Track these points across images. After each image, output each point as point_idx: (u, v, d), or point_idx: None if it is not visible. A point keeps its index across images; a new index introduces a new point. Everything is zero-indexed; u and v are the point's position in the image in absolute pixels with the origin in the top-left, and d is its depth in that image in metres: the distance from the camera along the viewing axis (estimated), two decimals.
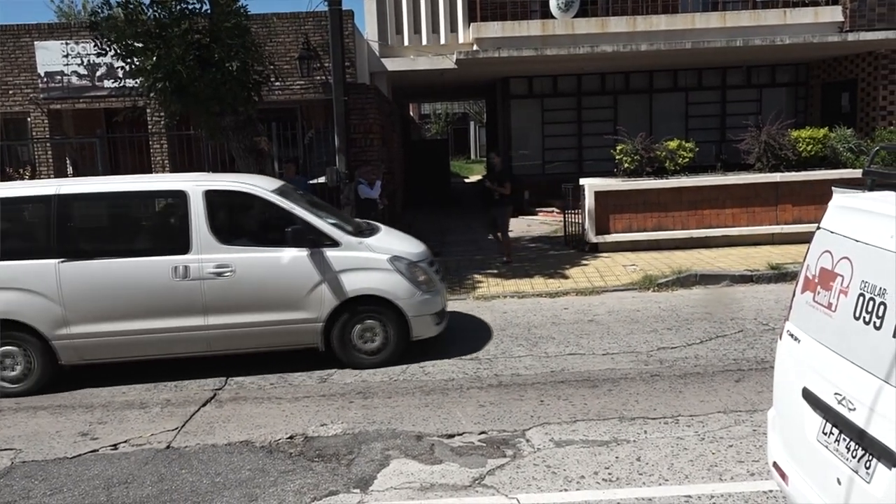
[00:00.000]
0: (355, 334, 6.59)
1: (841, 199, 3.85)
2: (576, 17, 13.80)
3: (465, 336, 7.52)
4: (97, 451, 5.10)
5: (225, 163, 11.71)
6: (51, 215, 6.33)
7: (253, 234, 6.65)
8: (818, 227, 3.75)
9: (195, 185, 6.46)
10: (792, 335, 3.39)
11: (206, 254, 6.31)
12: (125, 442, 5.23)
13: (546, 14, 14.10)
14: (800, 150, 12.03)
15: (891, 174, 3.96)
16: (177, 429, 5.42)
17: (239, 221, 6.83)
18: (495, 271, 10.48)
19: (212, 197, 6.43)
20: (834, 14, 13.66)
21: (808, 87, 16.52)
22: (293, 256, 6.38)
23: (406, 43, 14.27)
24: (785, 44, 13.22)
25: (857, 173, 8.45)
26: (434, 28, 14.33)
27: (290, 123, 12.34)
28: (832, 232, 3.44)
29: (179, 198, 6.44)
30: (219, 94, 9.01)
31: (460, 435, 5.03)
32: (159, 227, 6.72)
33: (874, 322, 3.18)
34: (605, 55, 13.47)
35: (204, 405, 5.91)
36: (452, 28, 14.34)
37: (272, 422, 5.45)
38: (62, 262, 6.25)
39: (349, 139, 11.72)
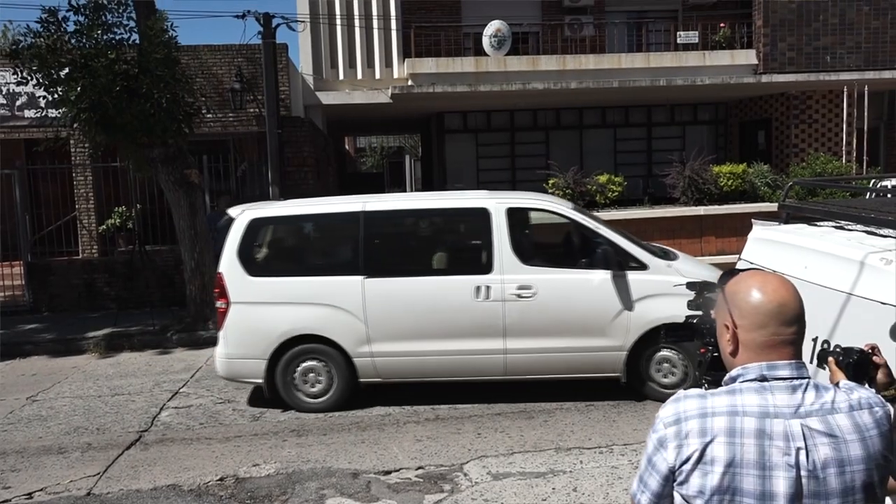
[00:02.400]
0: (653, 365, 6.19)
1: (759, 232, 4.04)
2: (508, 54, 14.16)
3: None
4: (9, 500, 4.80)
5: (153, 196, 11.40)
6: (358, 231, 6.30)
7: (554, 254, 6.52)
8: (739, 258, 3.93)
9: (497, 202, 6.31)
10: None
11: (509, 274, 6.09)
12: (41, 490, 4.94)
13: (479, 51, 14.42)
14: (721, 184, 12.61)
15: (804, 207, 4.19)
16: (98, 474, 5.16)
17: (539, 240, 6.71)
18: None
19: (514, 214, 6.27)
20: (749, 57, 14.45)
21: (728, 125, 17.33)
22: (601, 279, 6.05)
23: (341, 77, 14.32)
24: (705, 84, 13.89)
25: (773, 206, 8.88)
26: (369, 63, 14.44)
27: (223, 156, 12.14)
28: (752, 263, 3.60)
29: (481, 215, 6.28)
30: (147, 125, 8.81)
31: (397, 471, 4.97)
32: (461, 245, 6.66)
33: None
34: (537, 92, 13.83)
35: (128, 448, 5.66)
36: (387, 63, 14.48)
37: (201, 463, 5.26)
38: (367, 278, 6.17)
39: (283, 172, 11.61)
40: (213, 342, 9.02)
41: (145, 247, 11.46)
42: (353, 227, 6.33)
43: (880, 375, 2.23)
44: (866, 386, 2.40)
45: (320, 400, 6.30)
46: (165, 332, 9.51)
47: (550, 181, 12.92)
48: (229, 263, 6.33)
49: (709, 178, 12.72)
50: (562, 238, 6.67)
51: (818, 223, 3.86)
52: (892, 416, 1.60)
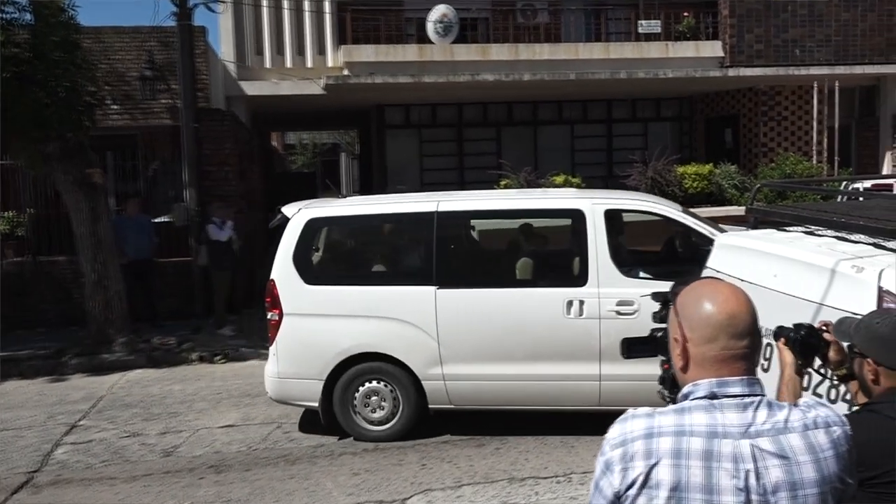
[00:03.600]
0: None
1: (726, 238, 4.16)
2: (455, 42, 14.24)
3: None
4: None
5: (49, 198, 11.04)
6: (431, 235, 6.11)
7: (658, 263, 6.25)
8: (705, 267, 4.03)
9: (592, 202, 6.09)
10: None
11: (606, 287, 5.83)
12: None
13: (423, 38, 14.46)
14: (686, 186, 12.94)
15: (773, 212, 4.33)
16: None
17: (641, 247, 6.41)
18: None
19: (612, 217, 6.05)
20: (715, 49, 14.89)
21: (693, 122, 17.81)
22: None
23: (268, 65, 14.16)
24: (668, 77, 14.25)
25: (742, 210, 9.13)
26: (300, 50, 14.33)
27: (131, 153, 11.85)
28: (717, 271, 3.70)
29: (574, 218, 6.07)
30: (41, 117, 8.55)
31: None
32: (549, 252, 6.42)
33: (762, 364, 3.44)
34: (487, 84, 13.95)
35: (15, 492, 5.45)
36: (320, 50, 14.39)
37: None
38: (440, 289, 5.99)
39: (201, 171, 11.39)
40: (118, 366, 8.84)
41: (38, 257, 11.09)
42: (425, 229, 6.21)
43: (832, 353, 2.38)
44: (821, 370, 2.50)
45: (383, 428, 6.19)
46: (61, 355, 9.22)
47: (502, 182, 13.04)
48: (283, 269, 6.21)
49: (673, 180, 13.04)
50: (663, 244, 6.55)
51: (788, 228, 4.00)
52: (850, 435, 1.65)
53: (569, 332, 5.80)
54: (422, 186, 15.59)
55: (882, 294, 2.93)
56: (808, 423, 1.61)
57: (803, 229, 3.85)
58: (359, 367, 6.13)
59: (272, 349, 6.23)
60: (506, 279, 6.29)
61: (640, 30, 15.06)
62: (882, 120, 16.27)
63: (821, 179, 12.36)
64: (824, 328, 2.44)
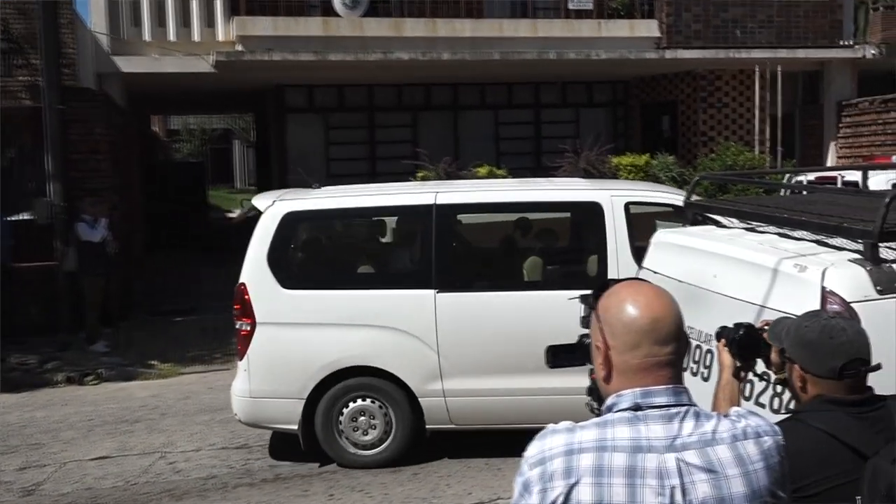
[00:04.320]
0: None
1: (663, 236, 4.29)
2: (365, 16, 14.18)
3: (233, 418, 7.30)
4: None
5: None
6: (429, 230, 6.11)
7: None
8: (640, 267, 4.14)
9: (612, 194, 6.15)
10: None
11: None
12: None
13: (328, 11, 14.34)
14: (621, 178, 13.23)
15: (712, 206, 4.48)
16: None
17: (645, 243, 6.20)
18: None
19: (633, 212, 6.03)
20: (650, 28, 15.30)
21: (628, 108, 18.28)
22: None
23: (147, 38, 13.79)
24: (601, 59, 14.56)
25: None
26: (185, 21, 14.00)
27: None
28: (654, 272, 3.81)
29: (591, 212, 6.09)
30: None
31: None
32: (561, 250, 6.51)
33: (701, 373, 3.55)
34: (401, 63, 13.95)
35: None
36: (209, 22, 14.10)
37: None
38: (440, 293, 5.97)
39: (67, 160, 11.02)
40: None
41: None
42: (423, 224, 6.24)
43: (774, 355, 2.45)
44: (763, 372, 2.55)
45: (374, 452, 6.15)
46: None
47: (419, 174, 13.01)
48: (255, 271, 6.15)
49: (607, 171, 13.32)
50: None
51: (728, 224, 4.15)
52: (782, 445, 1.72)
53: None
54: (328, 178, 15.45)
55: (826, 295, 3.05)
56: (737, 434, 1.66)
57: (744, 225, 3.99)
58: (345, 383, 6.10)
59: (242, 365, 6.17)
60: (515, 281, 6.37)
61: (571, 5, 15.29)
62: (826, 107, 17.05)
63: (763, 171, 12.87)
64: (766, 327, 2.52)
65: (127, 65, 13.47)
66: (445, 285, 6.09)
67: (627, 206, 6.17)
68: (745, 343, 2.47)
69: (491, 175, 13.05)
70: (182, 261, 16.95)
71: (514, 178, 13.31)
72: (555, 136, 16.81)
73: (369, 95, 16.81)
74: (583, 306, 2.38)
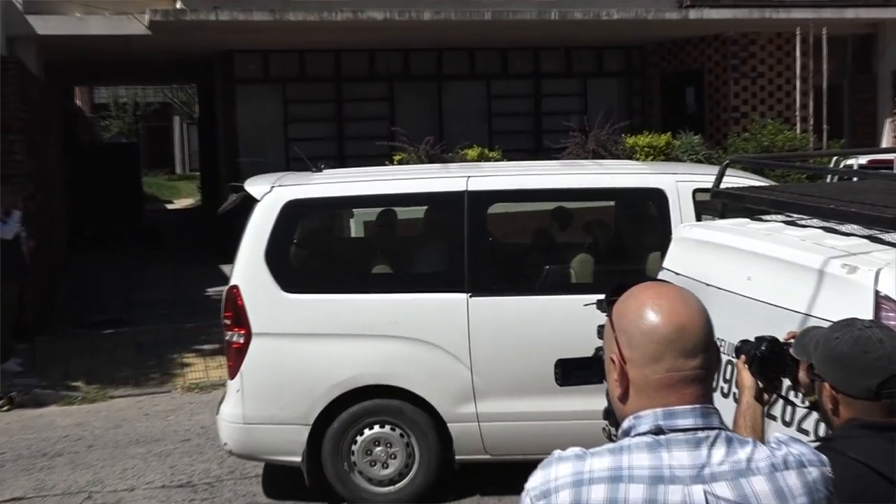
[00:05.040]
0: None
1: (687, 230, 4.30)
2: None
3: (174, 450, 7.38)
4: None
5: None
6: (461, 223, 6.18)
7: None
8: (661, 268, 4.15)
9: (676, 179, 6.19)
10: None
11: None
12: None
13: None
14: (638, 161, 13.25)
15: (746, 196, 4.49)
16: None
17: None
18: (216, 346, 10.33)
19: (701, 201, 6.04)
20: None
21: (645, 79, 18.32)
22: None
23: None
24: (612, 20, 14.52)
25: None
26: None
27: None
28: (676, 273, 3.81)
29: (653, 200, 6.15)
30: None
31: None
32: (616, 246, 6.61)
33: (721, 388, 3.58)
34: (374, 24, 13.91)
35: None
36: None
37: None
38: (474, 297, 5.99)
39: None
40: None
41: None
42: (453, 215, 6.30)
43: (802, 373, 2.45)
44: (790, 394, 2.57)
45: (393, 489, 6.11)
46: None
47: (396, 157, 13.03)
48: (250, 271, 6.14)
49: (620, 153, 13.33)
50: None
51: (764, 217, 4.15)
52: (830, 478, 1.73)
53: None
54: (288, 162, 15.41)
55: (880, 301, 3.06)
56: (776, 463, 1.67)
57: (784, 218, 4.00)
58: (360, 406, 6.08)
59: (233, 384, 6.13)
60: (557, 282, 6.44)
61: None
62: (880, 78, 17.09)
63: (806, 154, 12.91)
64: (792, 340, 2.51)
65: (44, 26, 13.37)
66: (480, 288, 6.12)
67: (695, 193, 6.22)
68: (767, 360, 2.46)
69: (482, 158, 13.04)
70: (112, 261, 16.84)
71: (509, 160, 13.38)
72: (558, 111, 16.77)
73: (336, 63, 16.76)
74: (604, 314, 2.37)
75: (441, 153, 12.95)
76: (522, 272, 6.76)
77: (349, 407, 6.07)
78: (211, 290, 12.34)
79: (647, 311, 1.70)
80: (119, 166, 21.24)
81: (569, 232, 7.35)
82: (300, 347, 6.12)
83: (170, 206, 29.80)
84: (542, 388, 5.78)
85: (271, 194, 6.25)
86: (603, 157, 13.14)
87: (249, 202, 6.35)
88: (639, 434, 1.67)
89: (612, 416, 1.90)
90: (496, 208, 6.82)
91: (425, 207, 6.86)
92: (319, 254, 7.15)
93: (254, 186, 6.47)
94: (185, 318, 11.82)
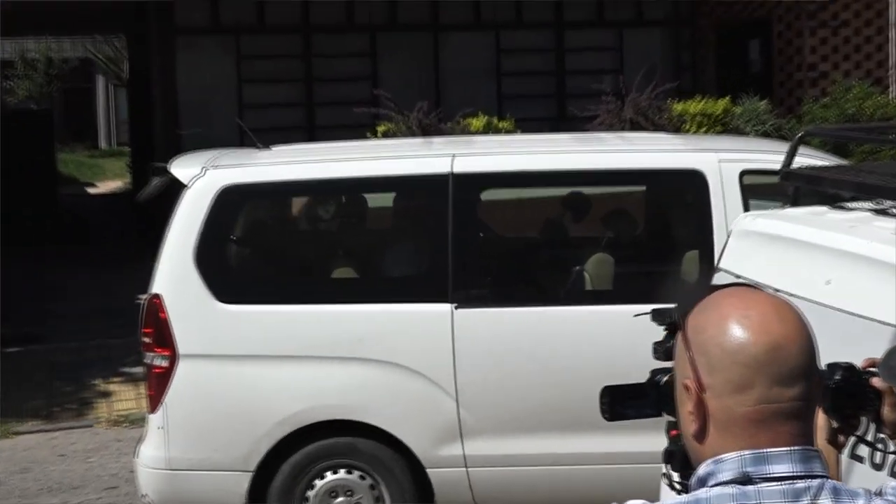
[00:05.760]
0: None
1: (750, 222, 4.28)
2: None
3: (97, 500, 7.49)
4: None
5: None
6: (444, 214, 6.18)
7: None
8: (716, 268, 4.14)
9: (718, 157, 6.16)
10: None
11: None
12: None
13: None
14: (687, 132, 13.20)
15: (824, 178, 4.49)
16: None
17: None
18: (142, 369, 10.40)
19: (750, 184, 6.08)
20: None
21: (696, 29, 18.26)
22: None
23: None
24: None
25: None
26: None
27: None
28: (738, 276, 3.82)
29: (689, 184, 6.22)
30: None
31: None
32: (642, 243, 6.79)
33: None
34: None
35: None
36: None
37: None
38: (460, 308, 5.96)
39: None
40: None
41: None
42: (434, 204, 6.34)
43: (888, 410, 2.38)
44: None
45: None
46: None
47: (379, 128, 13.08)
48: (177, 277, 6.19)
49: (665, 123, 13.28)
50: None
51: (848, 204, 4.13)
52: None
53: None
54: (242, 134, 15.37)
55: None
56: None
57: (872, 205, 3.99)
58: (315, 446, 6.09)
59: (155, 420, 6.12)
60: (574, 293, 6.46)
61: None
62: None
63: None
64: (874, 369, 2.49)
65: None
66: (468, 297, 6.13)
67: (743, 175, 6.19)
68: (843, 392, 2.40)
69: (490, 130, 13.03)
70: (18, 261, 16.79)
71: (524, 132, 13.27)
72: (586, 70, 16.82)
73: (304, 10, 16.78)
74: (659, 327, 2.35)
75: (438, 123, 12.95)
76: (523, 277, 6.79)
77: (301, 448, 6.08)
78: (144, 298, 12.29)
79: (732, 325, 1.67)
80: (27, 139, 21.09)
81: (584, 225, 7.38)
82: (239, 373, 6.13)
83: (92, 191, 29.69)
84: (547, 424, 5.99)
85: (203, 178, 6.24)
86: (643, 129, 13.11)
87: (178, 188, 6.33)
88: (720, 483, 1.65)
89: (676, 459, 1.90)
90: (489, 195, 6.88)
91: (399, 195, 6.93)
92: (264, 254, 7.20)
93: (181, 168, 6.47)
94: (111, 333, 11.75)
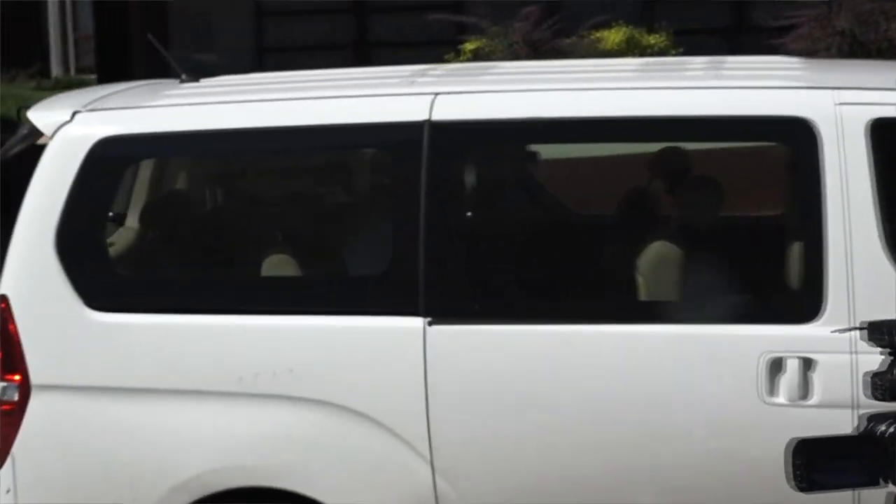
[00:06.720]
0: None
1: None
2: None
3: None
4: None
5: None
6: (415, 185, 6.19)
7: None
8: None
9: (836, 99, 6.03)
10: None
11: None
12: None
13: None
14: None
15: None
16: None
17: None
18: None
19: (887, 140, 5.97)
20: None
21: None
22: None
23: None
24: None
25: None
26: None
27: None
28: None
29: (788, 139, 6.33)
30: None
31: None
32: (721, 229, 6.95)
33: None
34: None
35: None
36: None
37: None
38: (435, 325, 5.97)
39: None
40: None
41: None
42: (400, 169, 6.46)
43: None
44: None
45: None
46: None
47: (465, 46, 13.18)
48: (31, 272, 6.28)
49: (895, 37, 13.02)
50: None
51: None
52: None
53: (769, 439, 5.56)
54: (262, 56, 15.29)
55: None
56: None
57: None
58: None
59: (2, 475, 6.23)
60: (600, 302, 6.51)
61: None
62: None
63: None
64: None
65: None
66: (448, 308, 6.11)
67: (874, 126, 5.93)
68: None
69: (632, 48, 13.06)
70: None
71: (677, 53, 13.46)
72: None
73: None
74: (881, 349, 2.53)
75: (552, 37, 13.02)
76: (533, 278, 6.79)
77: None
78: None
79: None
80: None
81: (644, 200, 7.61)
82: (117, 414, 6.20)
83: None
84: (565, 495, 5.99)
85: (71, 127, 6.30)
86: (863, 44, 12.97)
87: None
88: None
89: None
90: (486, 153, 7.07)
91: (350, 155, 7.24)
92: (157, 240, 7.34)
93: (42, 112, 6.58)
94: None
